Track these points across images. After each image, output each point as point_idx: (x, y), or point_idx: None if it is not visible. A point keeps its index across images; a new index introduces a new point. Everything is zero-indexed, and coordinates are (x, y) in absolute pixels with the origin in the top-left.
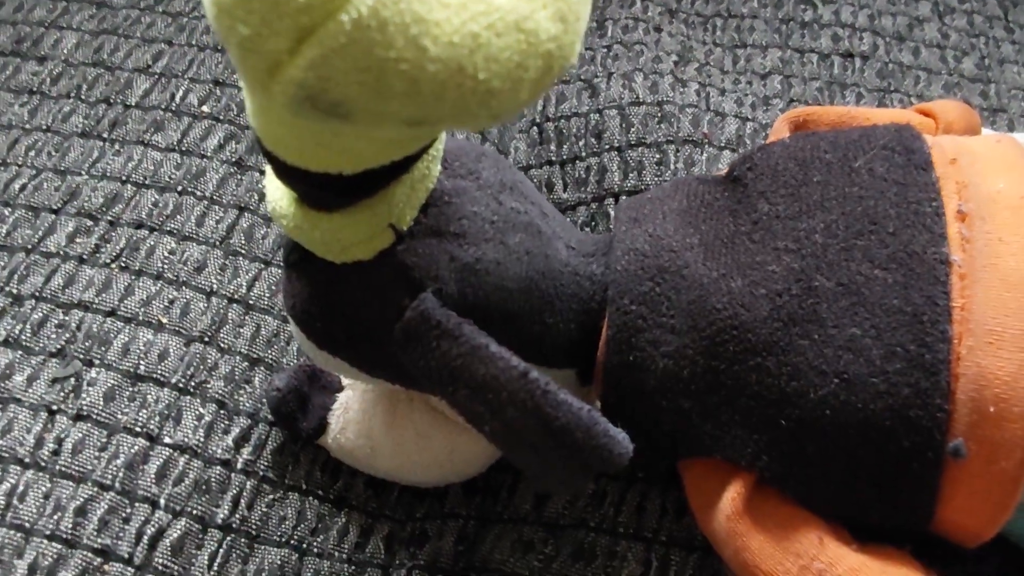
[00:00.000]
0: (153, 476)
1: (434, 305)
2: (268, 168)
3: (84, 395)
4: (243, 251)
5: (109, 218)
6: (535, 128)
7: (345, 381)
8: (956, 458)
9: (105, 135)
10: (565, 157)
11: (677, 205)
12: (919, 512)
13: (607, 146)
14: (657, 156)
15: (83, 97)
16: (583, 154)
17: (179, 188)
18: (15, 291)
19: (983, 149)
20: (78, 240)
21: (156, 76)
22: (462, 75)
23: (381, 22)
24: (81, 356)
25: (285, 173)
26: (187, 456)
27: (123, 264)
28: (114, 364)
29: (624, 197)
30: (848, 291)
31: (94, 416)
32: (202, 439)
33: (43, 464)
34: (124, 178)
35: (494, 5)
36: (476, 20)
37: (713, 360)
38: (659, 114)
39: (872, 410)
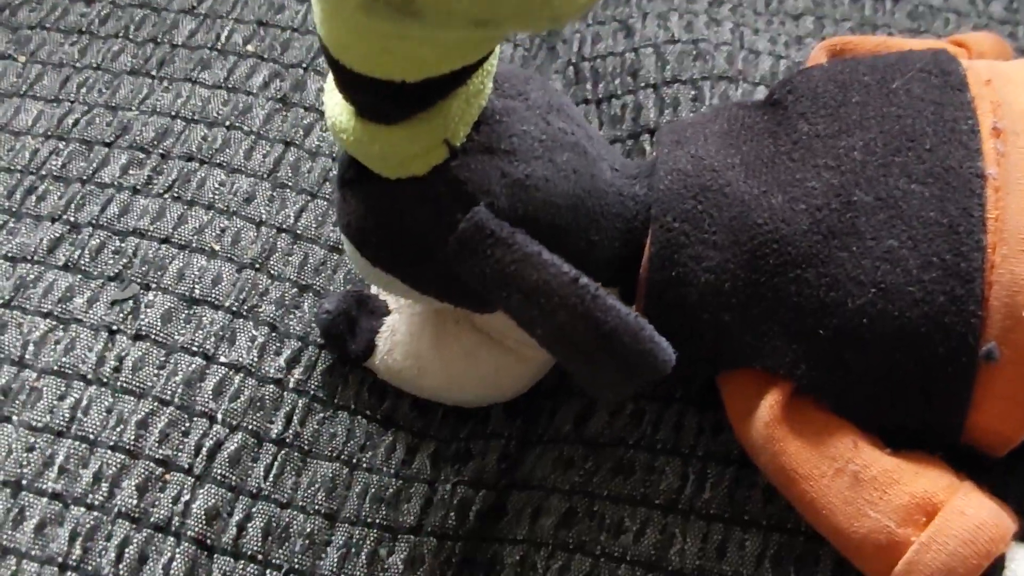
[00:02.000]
0: (210, 393)
1: (487, 216)
2: (328, 85)
3: (142, 316)
4: (290, 184)
5: (160, 151)
6: (571, 68)
7: (392, 304)
8: (988, 361)
9: (154, 73)
10: (601, 96)
11: (718, 128)
12: (952, 417)
13: (642, 84)
14: (692, 92)
15: (131, 37)
16: (619, 92)
17: (227, 123)
18: (72, 219)
19: (1016, 72)
20: (131, 172)
21: (201, 17)
22: None
23: None
24: (138, 280)
25: (347, 83)
26: (242, 375)
27: (175, 195)
28: (170, 288)
29: None
30: (886, 205)
31: (152, 336)
32: (255, 359)
33: (105, 380)
34: (173, 113)
35: None
36: None
37: (753, 273)
38: (694, 52)
39: (908, 318)
